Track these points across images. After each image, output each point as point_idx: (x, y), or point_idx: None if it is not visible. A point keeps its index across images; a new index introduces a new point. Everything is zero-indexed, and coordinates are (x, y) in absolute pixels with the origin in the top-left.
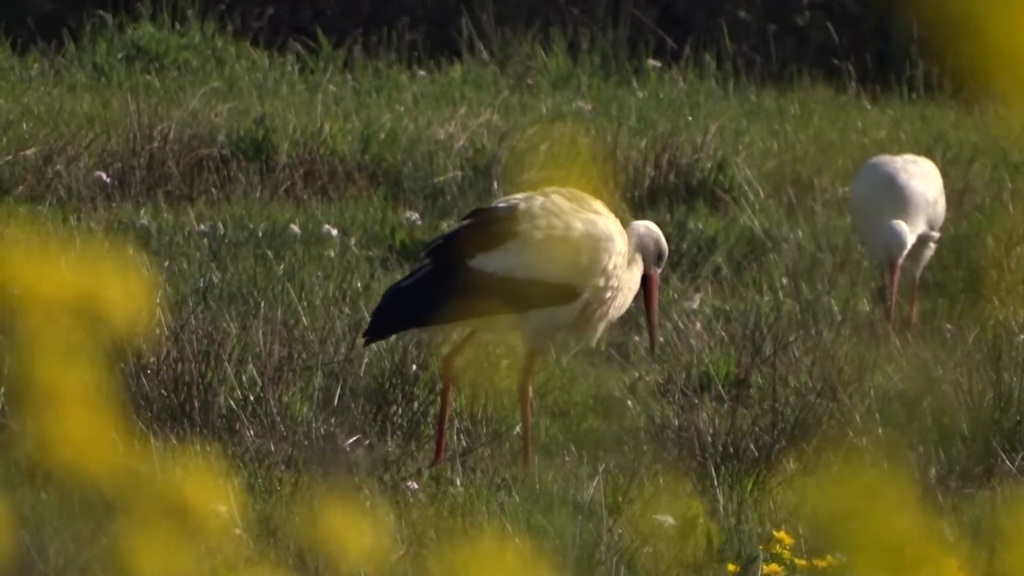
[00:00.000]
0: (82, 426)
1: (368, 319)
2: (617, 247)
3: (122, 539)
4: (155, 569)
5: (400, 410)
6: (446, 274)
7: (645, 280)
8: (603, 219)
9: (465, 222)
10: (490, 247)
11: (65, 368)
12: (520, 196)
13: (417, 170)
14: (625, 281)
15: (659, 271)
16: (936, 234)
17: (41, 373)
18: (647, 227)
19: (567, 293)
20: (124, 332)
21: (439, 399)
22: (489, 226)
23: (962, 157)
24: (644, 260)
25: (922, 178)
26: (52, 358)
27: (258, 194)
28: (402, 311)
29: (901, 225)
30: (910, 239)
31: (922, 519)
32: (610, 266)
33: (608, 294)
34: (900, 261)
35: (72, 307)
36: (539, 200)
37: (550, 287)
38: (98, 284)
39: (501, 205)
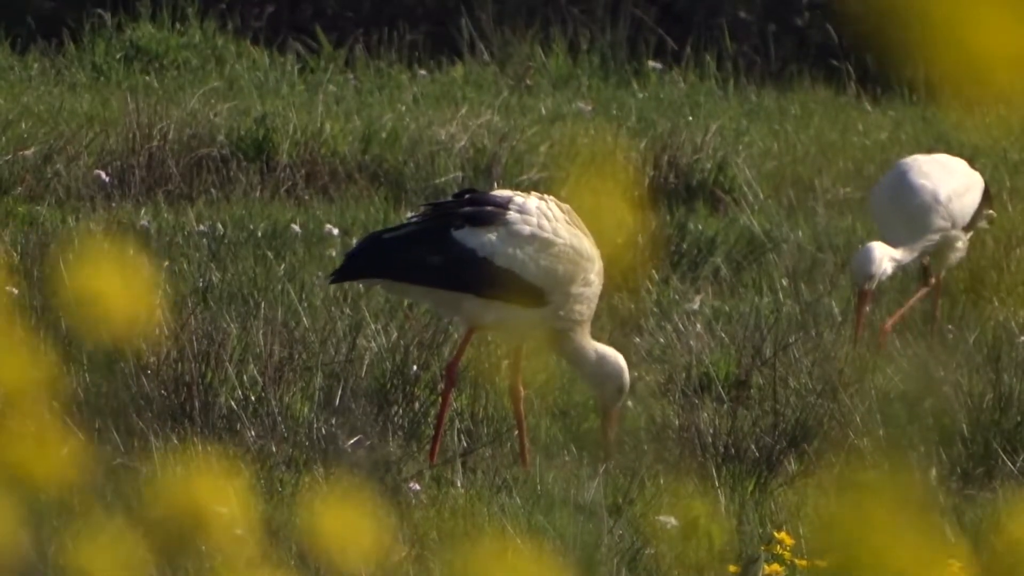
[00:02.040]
0: (82, 426)
1: (366, 318)
2: (594, 271)
3: (123, 539)
4: (156, 569)
5: (401, 411)
6: (429, 236)
7: (603, 413)
8: (588, 240)
9: (462, 196)
10: (477, 224)
11: (65, 367)
12: (518, 193)
13: (418, 170)
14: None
15: (616, 407)
16: (958, 233)
17: (41, 372)
18: (616, 359)
19: (535, 296)
20: (124, 333)
21: (440, 402)
22: (483, 205)
23: (962, 157)
24: (603, 391)
25: (935, 176)
26: (52, 358)
27: (258, 194)
28: (376, 259)
29: (872, 249)
30: (883, 264)
31: (923, 520)
32: (579, 288)
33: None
34: (867, 287)
35: (71, 307)
36: (536, 201)
37: (521, 284)
38: (99, 285)
39: (498, 193)
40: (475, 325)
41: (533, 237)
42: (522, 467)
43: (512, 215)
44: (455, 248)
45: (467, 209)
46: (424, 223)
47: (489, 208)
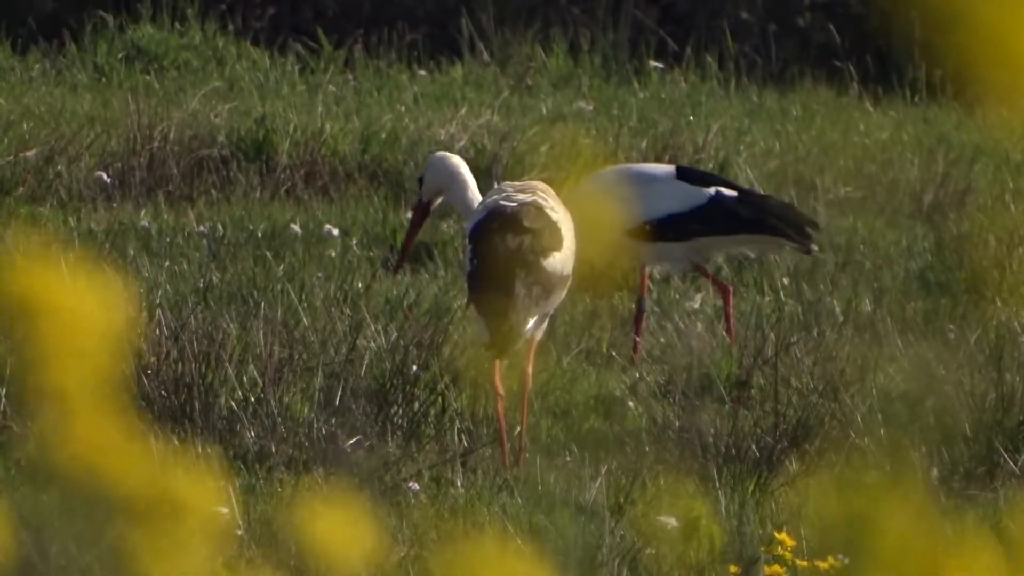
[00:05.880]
0: (83, 427)
1: (365, 319)
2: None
3: (123, 541)
4: (156, 571)
5: (401, 411)
6: (497, 291)
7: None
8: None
9: (500, 225)
10: (554, 248)
11: (65, 369)
12: (509, 191)
13: (418, 170)
14: None
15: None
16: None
17: (41, 374)
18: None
19: (569, 277)
20: (113, 338)
21: (520, 408)
22: (539, 225)
23: (964, 158)
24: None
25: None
26: (52, 359)
27: (258, 194)
28: (503, 339)
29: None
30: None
31: (924, 520)
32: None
33: None
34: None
35: (71, 309)
36: (533, 196)
37: (564, 278)
38: (86, 291)
39: (511, 204)
40: (536, 333)
41: (565, 232)
42: (510, 463)
43: (557, 223)
44: (547, 276)
45: (539, 238)
46: (515, 268)
47: (544, 227)
